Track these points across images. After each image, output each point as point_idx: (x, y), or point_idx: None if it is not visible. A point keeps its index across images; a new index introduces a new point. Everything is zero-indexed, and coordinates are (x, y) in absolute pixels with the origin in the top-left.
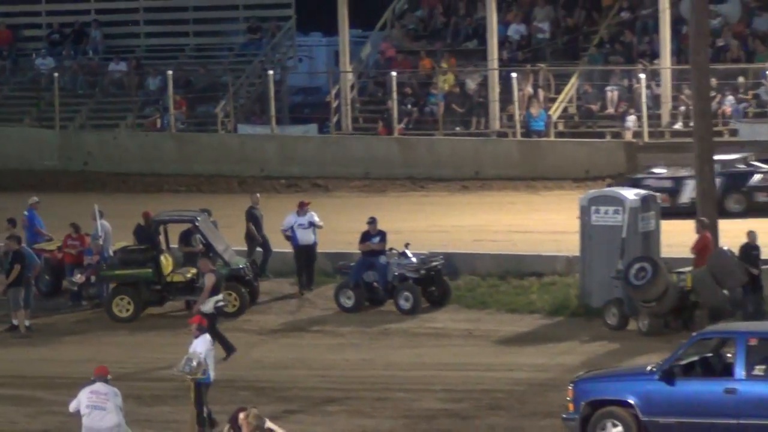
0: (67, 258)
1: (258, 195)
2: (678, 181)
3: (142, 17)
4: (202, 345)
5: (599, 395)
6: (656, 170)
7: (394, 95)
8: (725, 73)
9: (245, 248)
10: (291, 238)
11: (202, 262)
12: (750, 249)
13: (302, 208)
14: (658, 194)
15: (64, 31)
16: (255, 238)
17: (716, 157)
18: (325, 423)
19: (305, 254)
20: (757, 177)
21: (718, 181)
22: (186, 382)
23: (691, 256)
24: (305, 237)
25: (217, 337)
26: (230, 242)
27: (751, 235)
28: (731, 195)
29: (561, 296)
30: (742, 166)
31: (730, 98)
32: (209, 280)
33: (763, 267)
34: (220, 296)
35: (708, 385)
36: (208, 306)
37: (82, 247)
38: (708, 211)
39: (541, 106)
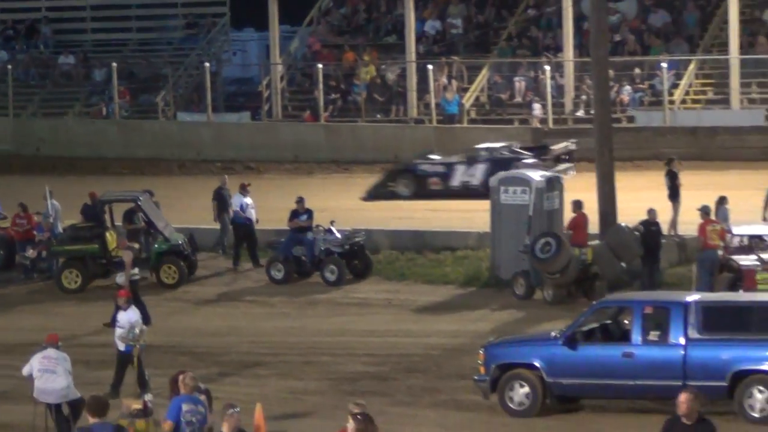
0: (16, 235)
1: (226, 177)
2: (449, 167)
3: (89, 14)
4: (135, 315)
5: (508, 359)
6: (431, 156)
7: (320, 85)
8: (623, 65)
9: (185, 226)
10: (240, 215)
11: (120, 240)
12: (649, 225)
13: (244, 189)
14: (431, 178)
15: (17, 27)
16: (222, 216)
17: (483, 145)
18: (257, 385)
19: (247, 231)
20: (519, 163)
21: (484, 166)
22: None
23: (591, 230)
24: (252, 215)
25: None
26: (174, 219)
27: (651, 212)
28: None
29: (473, 269)
30: (506, 153)
31: (628, 88)
32: (127, 256)
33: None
34: (135, 270)
35: (607, 349)
36: (122, 279)
37: (29, 225)
38: (607, 191)
39: (454, 92)
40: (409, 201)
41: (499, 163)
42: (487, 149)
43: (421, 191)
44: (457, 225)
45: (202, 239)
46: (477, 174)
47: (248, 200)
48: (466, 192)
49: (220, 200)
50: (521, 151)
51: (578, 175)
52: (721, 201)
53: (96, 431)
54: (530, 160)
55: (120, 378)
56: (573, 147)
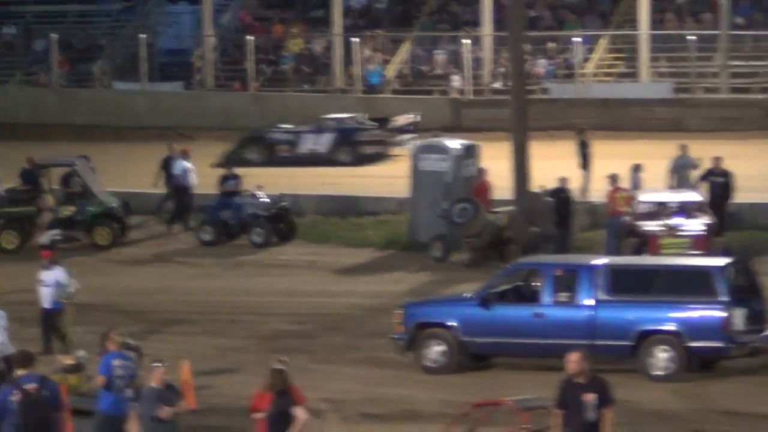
0: None
1: (175, 145)
2: (298, 135)
3: None
4: (61, 273)
5: (425, 318)
6: (281, 125)
7: (250, 57)
8: (538, 40)
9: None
10: (180, 180)
11: (41, 201)
12: (560, 192)
13: (185, 155)
14: (280, 146)
15: None
16: (169, 183)
17: (331, 116)
18: (185, 342)
19: (186, 195)
20: (364, 133)
21: (330, 135)
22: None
23: (505, 197)
24: (192, 179)
25: None
26: (110, 184)
27: (563, 180)
28: (342, 148)
29: (393, 232)
30: (351, 123)
31: (543, 61)
32: (46, 217)
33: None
34: (56, 231)
35: (519, 309)
36: (45, 238)
37: None
38: (521, 160)
39: (377, 64)
40: (262, 167)
41: (344, 132)
42: (334, 119)
43: (271, 158)
44: (378, 190)
45: (137, 203)
46: (324, 142)
47: (189, 165)
48: (314, 159)
49: (169, 168)
50: (366, 122)
51: (495, 144)
52: (636, 168)
53: (23, 382)
54: (374, 131)
55: (47, 335)
56: (416, 119)
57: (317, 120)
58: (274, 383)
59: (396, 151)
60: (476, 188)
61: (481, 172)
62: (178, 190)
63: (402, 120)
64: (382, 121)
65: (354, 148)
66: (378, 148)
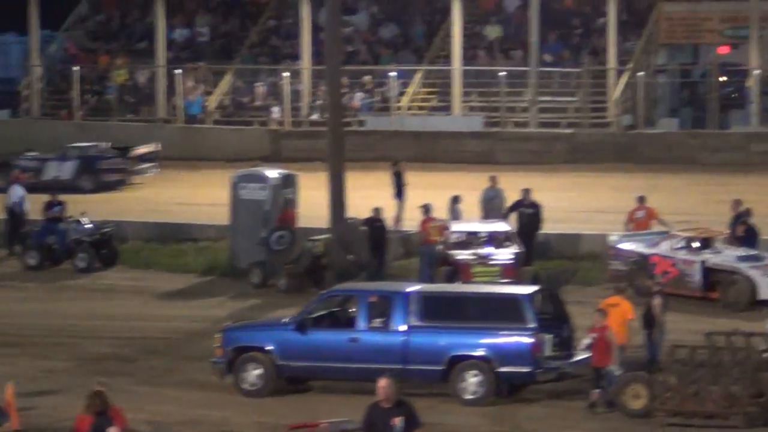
0: None
1: (17, 171)
2: (42, 162)
3: None
4: None
5: (243, 342)
6: (29, 153)
7: (76, 86)
8: (355, 73)
9: None
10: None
11: None
12: (374, 221)
13: (19, 182)
14: (26, 173)
15: None
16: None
17: (74, 144)
18: (9, 364)
19: (21, 221)
20: (105, 161)
21: (74, 162)
22: None
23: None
24: (27, 206)
25: None
26: None
27: (376, 210)
28: (84, 175)
29: (213, 258)
30: (94, 152)
31: (359, 94)
32: None
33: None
34: None
35: (335, 334)
36: None
37: None
38: (337, 190)
39: (197, 94)
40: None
41: (87, 160)
42: (77, 148)
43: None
44: (200, 218)
45: None
46: (67, 170)
47: (22, 193)
48: (57, 186)
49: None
50: (108, 150)
51: (313, 174)
52: (455, 200)
53: None
54: (115, 159)
55: None
56: (156, 149)
57: (61, 148)
58: (93, 404)
59: (137, 179)
60: (281, 218)
61: (287, 202)
62: (14, 215)
63: (142, 149)
64: (123, 150)
65: (96, 175)
66: (119, 175)
